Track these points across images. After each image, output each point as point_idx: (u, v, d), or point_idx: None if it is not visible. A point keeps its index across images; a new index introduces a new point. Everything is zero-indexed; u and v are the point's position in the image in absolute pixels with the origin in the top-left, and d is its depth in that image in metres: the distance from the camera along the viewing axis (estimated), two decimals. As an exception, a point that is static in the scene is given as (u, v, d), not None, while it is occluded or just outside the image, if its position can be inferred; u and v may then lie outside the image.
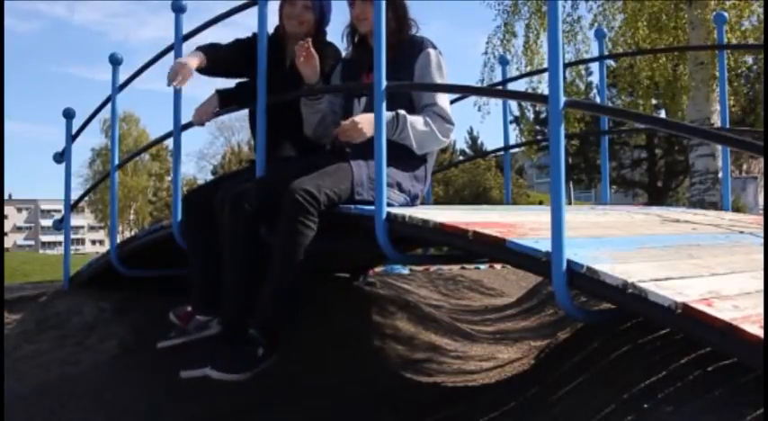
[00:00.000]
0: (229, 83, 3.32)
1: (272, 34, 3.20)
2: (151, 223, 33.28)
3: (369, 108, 2.85)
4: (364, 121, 2.61)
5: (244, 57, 3.12)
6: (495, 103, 9.30)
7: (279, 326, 2.55)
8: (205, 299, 2.98)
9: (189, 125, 3.43)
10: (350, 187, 2.59)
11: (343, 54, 3.14)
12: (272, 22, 3.17)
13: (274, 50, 3.11)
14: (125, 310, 3.99)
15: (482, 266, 8.87)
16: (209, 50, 3.10)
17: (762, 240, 2.61)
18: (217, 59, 3.11)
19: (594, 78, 18.42)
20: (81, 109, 4.36)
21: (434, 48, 2.85)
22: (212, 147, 45.01)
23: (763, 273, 1.91)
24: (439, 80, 2.83)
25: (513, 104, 13.70)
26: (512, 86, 5.52)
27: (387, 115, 2.56)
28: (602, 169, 4.76)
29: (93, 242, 67.55)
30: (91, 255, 13.13)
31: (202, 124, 3.24)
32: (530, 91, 8.19)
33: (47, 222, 62.73)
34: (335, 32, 3.15)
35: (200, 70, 3.08)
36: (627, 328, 2.80)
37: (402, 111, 2.66)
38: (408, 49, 2.83)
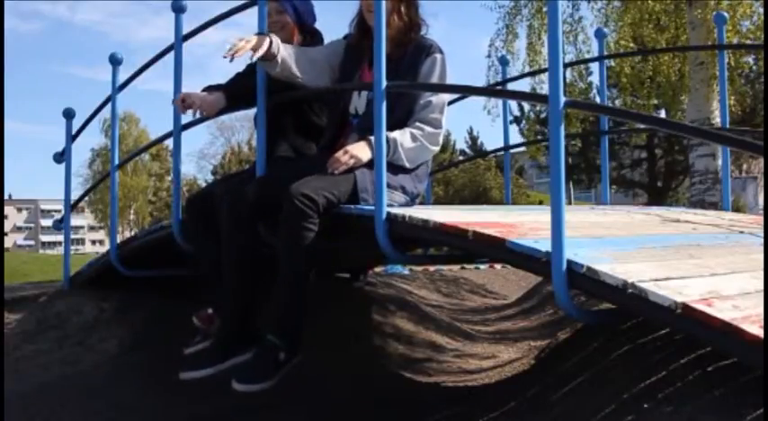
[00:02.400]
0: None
1: None
2: (151, 223, 33.28)
3: (371, 103, 2.84)
4: (354, 150, 2.61)
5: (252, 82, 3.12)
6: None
7: (294, 327, 2.55)
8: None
9: (189, 125, 3.43)
10: (350, 190, 2.58)
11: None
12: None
13: None
14: (125, 310, 3.99)
15: (482, 266, 8.87)
16: (230, 90, 3.13)
17: (762, 240, 2.60)
18: (238, 98, 3.12)
19: (594, 78, 18.41)
20: (81, 109, 4.37)
21: (442, 53, 2.83)
22: (212, 147, 45.12)
23: (763, 273, 1.91)
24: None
25: (513, 104, 13.70)
26: (513, 86, 5.52)
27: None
28: (602, 169, 4.76)
29: (93, 242, 67.55)
30: (91, 255, 13.12)
31: (197, 112, 3.10)
32: (530, 91, 8.19)
33: (47, 222, 62.68)
34: (336, 28, 3.15)
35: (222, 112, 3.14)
36: (627, 328, 2.80)
37: (391, 135, 2.63)
38: (417, 50, 2.80)
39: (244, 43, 2.62)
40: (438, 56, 2.80)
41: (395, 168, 2.64)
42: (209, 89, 3.17)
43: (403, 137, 2.68)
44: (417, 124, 2.73)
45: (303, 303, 2.55)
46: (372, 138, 2.59)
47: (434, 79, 2.78)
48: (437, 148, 2.81)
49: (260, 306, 2.75)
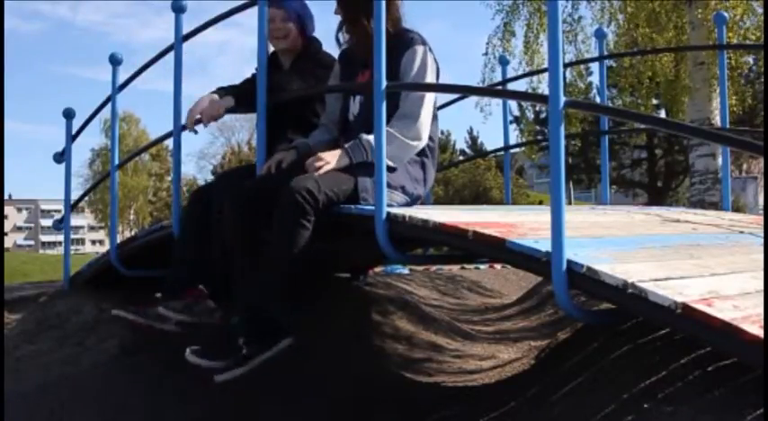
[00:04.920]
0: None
1: (271, 56, 3.23)
2: (151, 223, 33.28)
3: (363, 107, 2.85)
4: (327, 157, 2.61)
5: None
6: (497, 104, 9.28)
7: (269, 321, 2.50)
8: (179, 282, 2.97)
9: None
10: (351, 189, 2.59)
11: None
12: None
13: (275, 65, 3.18)
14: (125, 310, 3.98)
15: (482, 266, 8.86)
16: (238, 93, 3.11)
17: (762, 240, 2.61)
18: (248, 100, 3.09)
19: (594, 78, 18.42)
20: (82, 109, 4.37)
21: (424, 44, 2.78)
22: (212, 147, 44.97)
23: (763, 273, 1.91)
24: (421, 79, 2.75)
25: (513, 104, 13.69)
26: (512, 86, 5.51)
27: (350, 144, 2.64)
28: (602, 169, 4.76)
29: (93, 242, 67.54)
30: (91, 255, 13.13)
31: (210, 120, 3.08)
32: (530, 91, 8.18)
33: (47, 222, 62.67)
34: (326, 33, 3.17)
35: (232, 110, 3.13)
36: (627, 328, 2.80)
37: (364, 137, 2.63)
38: (398, 45, 2.76)
39: (323, 163, 2.59)
40: (418, 47, 2.76)
41: (389, 168, 2.62)
42: (220, 90, 3.16)
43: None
44: (392, 121, 2.69)
45: (286, 298, 2.51)
46: (347, 145, 2.64)
47: (414, 71, 2.74)
48: (419, 142, 2.74)
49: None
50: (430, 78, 2.80)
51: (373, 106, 2.53)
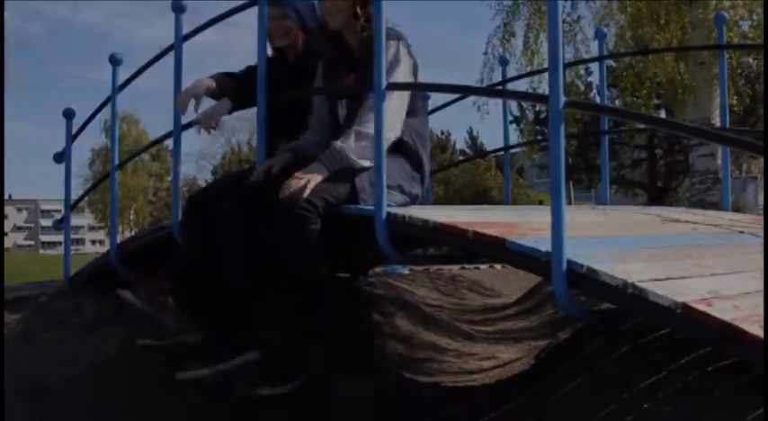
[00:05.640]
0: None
1: (272, 56, 3.22)
2: (151, 223, 33.28)
3: (351, 111, 2.81)
4: (305, 173, 2.57)
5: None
6: (495, 103, 9.25)
7: (326, 323, 2.63)
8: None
9: (189, 125, 3.43)
10: (349, 191, 2.59)
11: None
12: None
13: (280, 64, 3.17)
14: (125, 310, 3.99)
15: (482, 266, 8.86)
16: (238, 90, 3.10)
17: (762, 240, 2.60)
18: (241, 93, 3.08)
19: (594, 78, 18.43)
20: (82, 109, 4.36)
21: (398, 40, 2.71)
22: (212, 147, 44.95)
23: (763, 272, 1.91)
24: (392, 75, 2.65)
25: (513, 104, 13.70)
26: (512, 86, 5.51)
27: (325, 153, 2.61)
28: (602, 169, 4.76)
29: (93, 242, 67.54)
30: (91, 255, 13.11)
31: (209, 131, 3.12)
32: (530, 91, 8.18)
33: (47, 222, 62.67)
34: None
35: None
36: (627, 328, 2.80)
37: (338, 144, 2.61)
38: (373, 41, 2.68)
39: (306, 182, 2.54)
40: (391, 43, 2.68)
41: (391, 164, 2.61)
42: (220, 76, 3.14)
43: (346, 141, 2.63)
44: (360, 117, 2.66)
45: (327, 299, 2.61)
46: (322, 155, 2.61)
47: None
48: (390, 133, 2.64)
49: (263, 308, 2.75)
50: (403, 74, 2.71)
51: (358, 108, 2.54)
